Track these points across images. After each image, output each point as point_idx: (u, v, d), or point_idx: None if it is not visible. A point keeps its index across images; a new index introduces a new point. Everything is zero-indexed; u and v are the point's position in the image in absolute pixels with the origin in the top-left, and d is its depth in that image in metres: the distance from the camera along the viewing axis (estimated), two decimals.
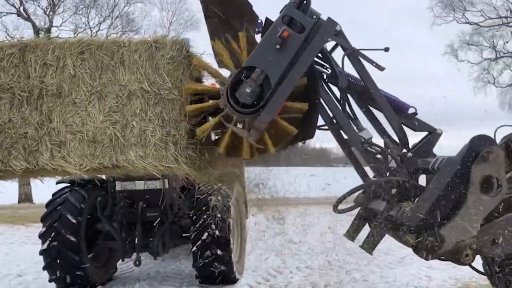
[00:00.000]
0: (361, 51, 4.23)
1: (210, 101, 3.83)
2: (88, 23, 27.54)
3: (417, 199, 3.97)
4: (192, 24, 29.82)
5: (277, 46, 3.60)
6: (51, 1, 25.59)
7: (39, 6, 25.67)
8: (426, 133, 4.69)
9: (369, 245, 4.23)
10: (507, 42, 31.40)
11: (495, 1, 30.99)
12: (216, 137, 4.04)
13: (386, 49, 4.26)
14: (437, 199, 3.72)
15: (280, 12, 3.90)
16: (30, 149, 3.89)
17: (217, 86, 3.98)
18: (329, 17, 3.78)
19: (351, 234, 4.58)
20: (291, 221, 12.96)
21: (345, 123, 4.38)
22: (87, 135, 3.88)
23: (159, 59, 3.95)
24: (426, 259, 3.92)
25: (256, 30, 4.18)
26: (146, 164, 3.82)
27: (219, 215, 7.11)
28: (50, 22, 25.66)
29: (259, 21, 4.23)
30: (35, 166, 3.86)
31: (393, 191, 4.21)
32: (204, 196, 7.27)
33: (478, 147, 3.75)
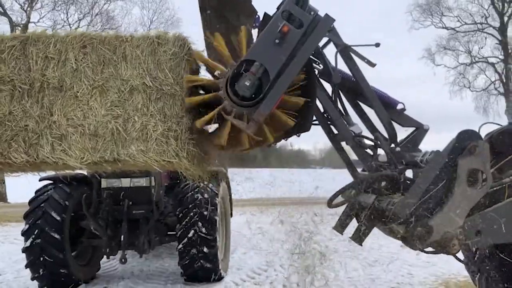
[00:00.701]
0: (352, 47, 4.39)
1: (210, 94, 3.89)
2: (68, 19, 27.11)
3: (407, 191, 4.12)
4: (173, 23, 29.69)
5: (276, 41, 3.71)
6: None
7: (16, 1, 25.13)
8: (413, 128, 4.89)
9: (359, 237, 4.38)
10: (482, 48, 32.48)
11: (470, 7, 32.02)
12: (214, 130, 4.10)
13: (377, 45, 4.43)
14: (425, 191, 3.88)
15: (278, 8, 4.01)
16: (31, 142, 3.87)
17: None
18: (326, 14, 3.92)
19: (340, 227, 4.72)
20: (269, 220, 13.10)
21: (337, 117, 4.52)
22: (88, 129, 3.88)
23: (161, 55, 3.99)
24: (415, 249, 4.09)
25: (254, 25, 4.27)
26: (147, 158, 3.85)
27: (205, 213, 7.16)
28: (28, 17, 25.11)
29: (257, 16, 4.33)
30: (35, 159, 3.84)
31: (383, 184, 4.37)
32: (190, 193, 7.31)
33: (464, 141, 3.93)
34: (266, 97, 3.71)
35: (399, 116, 4.78)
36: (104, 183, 7.19)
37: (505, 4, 31.56)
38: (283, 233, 10.20)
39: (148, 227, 7.25)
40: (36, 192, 7.16)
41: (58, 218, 6.86)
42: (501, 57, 32.03)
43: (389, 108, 4.72)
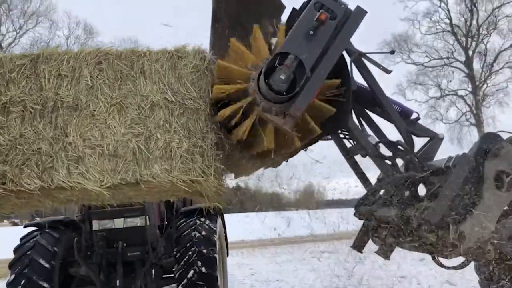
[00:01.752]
0: (367, 54, 4.34)
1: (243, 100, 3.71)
2: None
3: (433, 198, 4.00)
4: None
5: (311, 32, 3.60)
6: None
7: None
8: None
9: (385, 251, 4.21)
10: (451, 81, 34.03)
11: (436, 44, 33.71)
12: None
13: (392, 52, 4.44)
14: (455, 195, 3.77)
15: (304, 4, 3.95)
16: (45, 166, 3.53)
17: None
18: (358, 5, 3.86)
19: (358, 245, 4.54)
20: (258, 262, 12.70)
21: (355, 127, 4.41)
22: (107, 149, 3.60)
23: (181, 69, 3.82)
24: (447, 257, 3.94)
25: (278, 21, 4.19)
26: (172, 178, 3.58)
27: (204, 251, 6.80)
28: None
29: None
30: (50, 185, 3.49)
31: (406, 193, 4.25)
32: (187, 231, 6.95)
33: (488, 144, 3.89)
34: (302, 91, 3.55)
35: (413, 125, 4.73)
36: (96, 225, 6.73)
37: (469, 39, 33.39)
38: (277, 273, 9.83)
39: (144, 270, 6.80)
40: (21, 239, 6.62)
41: (47, 265, 6.32)
42: (470, 89, 33.55)
43: (404, 118, 4.67)
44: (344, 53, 4.28)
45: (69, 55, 3.75)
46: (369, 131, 4.73)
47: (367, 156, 4.43)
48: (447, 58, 34.09)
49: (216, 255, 6.86)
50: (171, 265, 6.91)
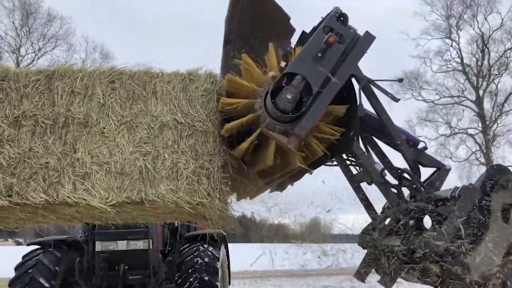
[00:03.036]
0: (376, 81, 4.36)
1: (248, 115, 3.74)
2: None
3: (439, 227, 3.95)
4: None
5: (319, 54, 3.66)
6: None
7: None
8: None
9: (388, 281, 4.14)
10: (460, 119, 33.89)
11: (447, 82, 33.80)
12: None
13: (400, 80, 4.48)
14: (461, 226, 3.73)
15: (314, 27, 4.03)
16: (51, 181, 3.55)
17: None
18: (367, 31, 3.93)
19: (362, 274, 4.47)
20: None
21: (361, 153, 4.40)
22: (114, 167, 3.61)
23: (193, 91, 3.87)
24: None
25: (289, 47, 4.25)
26: (177, 198, 3.58)
27: (206, 278, 6.71)
28: None
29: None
30: (55, 199, 3.49)
31: (411, 222, 4.20)
32: (189, 257, 6.88)
33: (495, 176, 3.85)
34: (308, 111, 3.58)
35: (420, 155, 4.70)
36: (98, 246, 6.72)
37: (479, 79, 33.49)
38: None
39: None
40: (23, 257, 6.61)
41: (47, 284, 6.29)
42: (480, 128, 33.40)
43: (411, 147, 4.65)
44: (354, 81, 4.35)
45: (83, 73, 3.82)
46: (376, 158, 4.72)
47: (373, 185, 4.41)
48: (458, 96, 34.11)
49: (218, 283, 6.77)
50: None
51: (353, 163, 4.72)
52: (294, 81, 3.60)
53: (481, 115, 33.22)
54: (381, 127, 4.48)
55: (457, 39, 34.06)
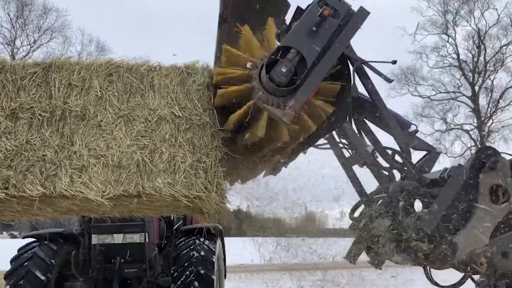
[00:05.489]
0: (369, 63, 4.36)
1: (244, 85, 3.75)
2: None
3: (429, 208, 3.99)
4: None
5: (314, 29, 3.67)
6: None
7: None
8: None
9: (378, 261, 4.19)
10: (456, 115, 34.03)
11: (443, 78, 33.89)
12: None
13: (394, 62, 4.49)
14: (450, 205, 3.77)
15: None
16: (48, 173, 3.55)
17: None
18: (361, 6, 3.93)
19: (353, 257, 4.51)
20: None
21: (353, 135, 4.42)
22: (111, 160, 3.61)
23: (190, 85, 3.88)
24: (439, 268, 3.90)
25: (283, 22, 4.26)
26: (174, 192, 3.58)
27: (202, 272, 6.73)
28: None
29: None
30: (52, 192, 3.49)
31: (400, 204, 4.23)
32: (186, 251, 6.89)
33: (484, 157, 3.88)
34: (302, 85, 3.60)
35: (411, 138, 4.72)
36: (95, 239, 6.70)
37: (475, 75, 33.60)
38: None
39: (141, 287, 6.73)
40: (19, 250, 6.58)
41: (43, 277, 6.27)
42: (475, 124, 33.55)
43: (402, 130, 4.66)
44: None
45: (80, 66, 3.82)
46: (367, 141, 4.73)
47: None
48: (454, 92, 34.28)
49: (214, 277, 6.79)
50: (168, 284, 6.84)
51: (345, 146, 4.75)
52: (289, 54, 3.62)
53: (476, 111, 33.40)
54: (373, 110, 4.49)
55: (453, 35, 34.20)
